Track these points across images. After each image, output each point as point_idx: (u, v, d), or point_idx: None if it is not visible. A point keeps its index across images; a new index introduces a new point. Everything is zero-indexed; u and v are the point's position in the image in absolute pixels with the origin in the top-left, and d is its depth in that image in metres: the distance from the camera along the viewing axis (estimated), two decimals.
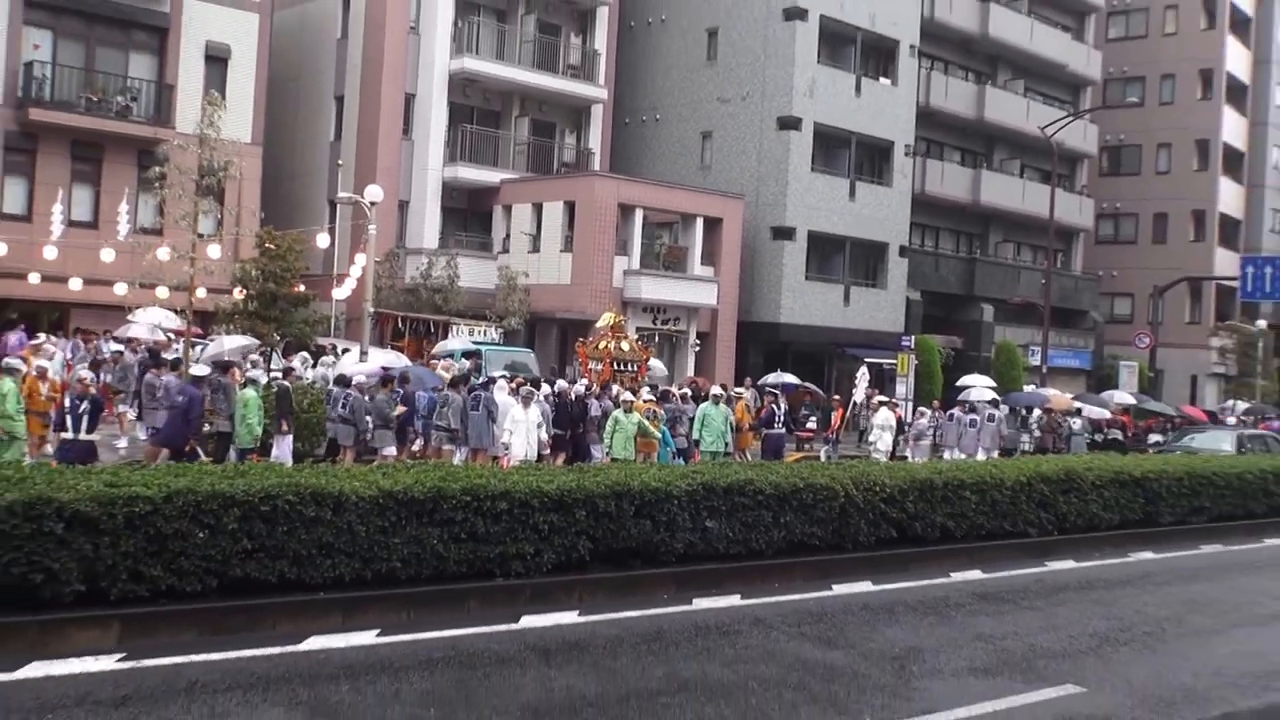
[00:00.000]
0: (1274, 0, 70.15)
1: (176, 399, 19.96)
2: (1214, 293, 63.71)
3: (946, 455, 29.56)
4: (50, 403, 19.43)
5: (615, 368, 30.02)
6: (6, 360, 19.36)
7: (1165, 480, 21.60)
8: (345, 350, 31.33)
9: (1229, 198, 66.15)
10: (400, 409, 22.61)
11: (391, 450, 21.78)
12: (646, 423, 23.10)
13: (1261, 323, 61.07)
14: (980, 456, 28.31)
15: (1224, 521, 22.50)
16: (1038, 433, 35.84)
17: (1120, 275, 63.80)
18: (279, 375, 24.70)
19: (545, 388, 25.96)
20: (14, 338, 29.73)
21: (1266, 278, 45.96)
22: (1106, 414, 41.34)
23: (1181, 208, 65.67)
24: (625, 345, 31.12)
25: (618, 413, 23.17)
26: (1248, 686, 10.87)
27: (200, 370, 21.09)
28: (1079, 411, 38.46)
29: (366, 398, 22.26)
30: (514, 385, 24.31)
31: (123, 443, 23.94)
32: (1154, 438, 41.05)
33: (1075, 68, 58.94)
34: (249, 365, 24.25)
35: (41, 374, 19.59)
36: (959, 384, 39.64)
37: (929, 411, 33.21)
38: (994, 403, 35.12)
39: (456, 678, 9.27)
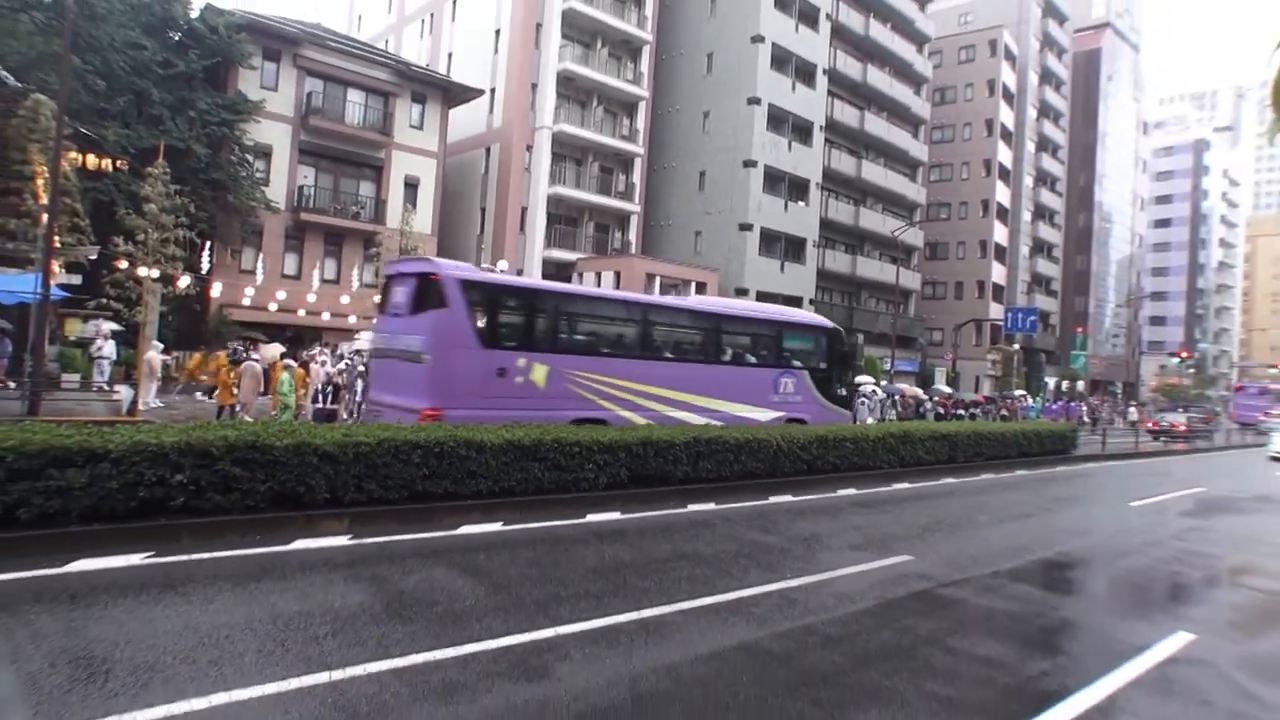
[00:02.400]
0: (1024, 160, 69.97)
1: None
2: (989, 328, 63.62)
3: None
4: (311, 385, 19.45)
5: None
6: (287, 360, 19.32)
7: (961, 437, 21.47)
8: None
9: (997, 274, 66.04)
10: None
11: None
12: None
13: (1015, 346, 61.33)
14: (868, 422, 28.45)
15: (995, 460, 22.35)
16: (900, 409, 35.94)
17: (935, 318, 63.62)
18: None
19: None
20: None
21: (1019, 319, 46.18)
22: (939, 398, 41.77)
23: (971, 279, 65.61)
24: None
25: None
26: (1009, 556, 10.80)
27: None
28: (931, 397, 39.66)
29: None
30: None
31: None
32: (960, 412, 41.16)
33: (911, 197, 58.68)
34: None
35: (305, 368, 19.56)
36: (854, 381, 39.98)
37: None
38: (873, 392, 35.63)
39: (548, 550, 9.21)
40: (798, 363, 20.70)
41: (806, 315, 24.58)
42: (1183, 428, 42.14)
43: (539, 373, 15.19)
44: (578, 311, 17.19)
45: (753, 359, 19.85)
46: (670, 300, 21.71)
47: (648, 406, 16.94)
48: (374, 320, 18.32)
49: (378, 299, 18.27)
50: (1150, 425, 44.05)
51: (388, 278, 16.64)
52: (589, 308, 17.59)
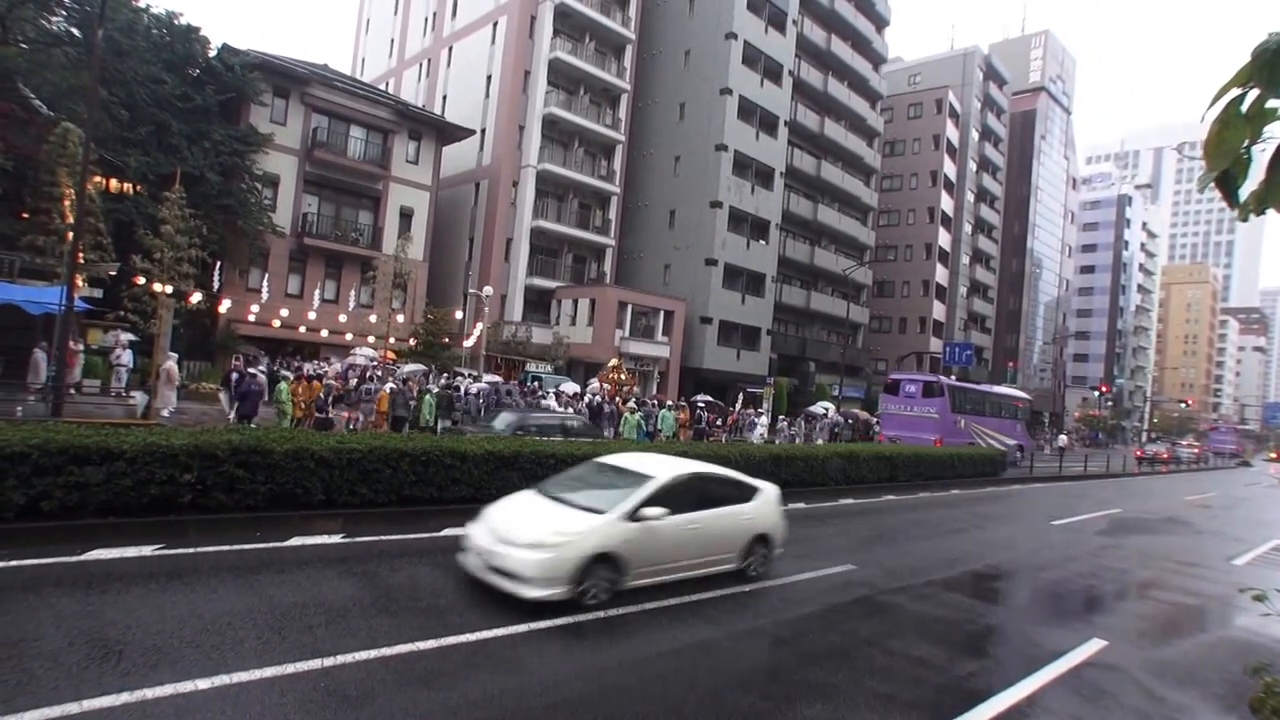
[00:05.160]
0: (964, 209, 70.94)
1: (376, 397, 19.79)
2: (929, 360, 64.05)
3: (796, 441, 29.71)
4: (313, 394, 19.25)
5: (617, 389, 29.91)
6: (283, 372, 19.20)
7: (902, 458, 21.71)
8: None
9: (938, 311, 66.44)
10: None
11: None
12: (635, 418, 23.26)
13: (953, 377, 61.58)
14: (819, 443, 28.57)
15: (932, 479, 22.51)
16: (850, 432, 35.94)
17: (882, 349, 63.88)
18: (443, 387, 24.22)
19: (584, 398, 25.88)
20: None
21: (956, 353, 47.01)
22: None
23: (914, 316, 65.99)
24: (621, 377, 31.01)
25: (626, 413, 23.39)
26: (942, 567, 10.96)
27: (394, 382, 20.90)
28: (878, 420, 39.68)
29: (488, 399, 21.90)
30: (560, 395, 24.24)
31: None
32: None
33: (861, 239, 59.07)
34: (427, 381, 23.93)
35: (305, 379, 19.37)
36: (809, 407, 39.88)
37: (784, 419, 33.40)
38: (825, 413, 36.09)
39: None
40: (1019, 415, 38.11)
41: (1022, 393, 42.77)
42: (1165, 455, 53.53)
43: (962, 423, 31.67)
44: (967, 394, 33.56)
45: (1007, 415, 36.47)
46: (986, 387, 38.87)
47: (980, 438, 32.15)
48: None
49: (886, 388, 34.25)
50: (1138, 454, 55.83)
51: (896, 380, 33.22)
52: (965, 392, 33.64)
